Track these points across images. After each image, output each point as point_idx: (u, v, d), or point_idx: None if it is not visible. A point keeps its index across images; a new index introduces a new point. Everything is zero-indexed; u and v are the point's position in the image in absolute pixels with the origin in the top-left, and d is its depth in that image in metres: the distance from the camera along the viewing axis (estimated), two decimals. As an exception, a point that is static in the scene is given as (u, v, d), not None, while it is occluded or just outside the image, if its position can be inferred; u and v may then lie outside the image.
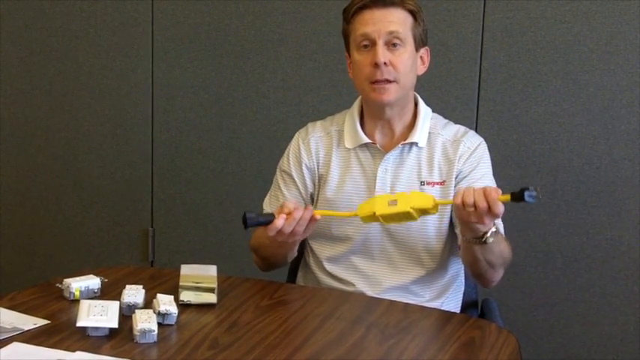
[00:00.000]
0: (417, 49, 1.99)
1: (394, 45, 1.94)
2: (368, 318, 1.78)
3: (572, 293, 2.78)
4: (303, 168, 2.10)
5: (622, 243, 2.71)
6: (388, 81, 1.95)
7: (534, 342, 2.81)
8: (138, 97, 3.22)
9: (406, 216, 1.80)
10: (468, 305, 2.15)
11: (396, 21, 1.95)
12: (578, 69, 2.68)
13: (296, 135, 2.15)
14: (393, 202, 1.80)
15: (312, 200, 2.11)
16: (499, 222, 1.98)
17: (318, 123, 2.15)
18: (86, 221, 3.37)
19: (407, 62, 1.96)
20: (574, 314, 2.78)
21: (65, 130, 3.33)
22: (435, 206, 1.80)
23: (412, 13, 1.97)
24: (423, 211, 1.79)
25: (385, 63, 1.93)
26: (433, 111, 2.09)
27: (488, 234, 1.80)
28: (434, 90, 2.78)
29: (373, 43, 1.95)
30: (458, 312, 2.07)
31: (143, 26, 3.17)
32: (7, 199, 3.46)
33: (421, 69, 2.04)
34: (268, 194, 2.16)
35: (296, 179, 2.10)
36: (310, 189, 2.10)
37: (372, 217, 1.82)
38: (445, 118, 2.11)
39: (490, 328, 1.77)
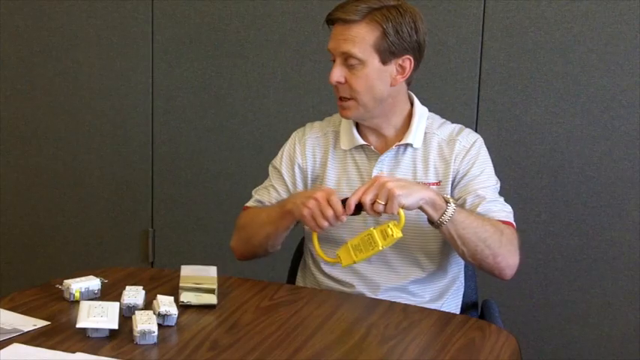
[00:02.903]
0: (386, 63, 1.93)
1: (351, 64, 1.92)
2: (368, 319, 1.78)
3: (572, 294, 2.78)
4: (295, 168, 2.10)
5: (622, 244, 2.71)
6: (346, 98, 1.96)
7: (534, 343, 2.81)
8: (138, 97, 3.22)
9: (369, 240, 1.84)
10: (468, 306, 2.15)
11: (352, 39, 1.90)
12: (579, 69, 2.68)
13: (293, 134, 2.15)
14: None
15: None
16: (498, 206, 1.96)
17: (316, 124, 2.15)
18: (86, 221, 3.37)
19: (363, 81, 1.93)
20: (574, 315, 2.78)
21: (65, 131, 3.33)
22: (395, 228, 1.82)
23: (380, 25, 1.90)
24: (385, 234, 1.82)
25: (340, 82, 1.94)
26: (433, 111, 2.09)
27: (439, 216, 1.83)
28: (434, 90, 2.78)
29: (334, 60, 1.96)
30: (458, 313, 2.07)
31: (143, 26, 3.17)
32: (7, 199, 3.46)
33: (398, 79, 1.96)
34: (262, 185, 2.17)
35: (285, 177, 2.10)
36: (300, 189, 2.10)
37: (348, 255, 1.88)
38: (445, 118, 2.10)
39: (490, 329, 1.77)
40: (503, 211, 1.97)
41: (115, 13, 3.19)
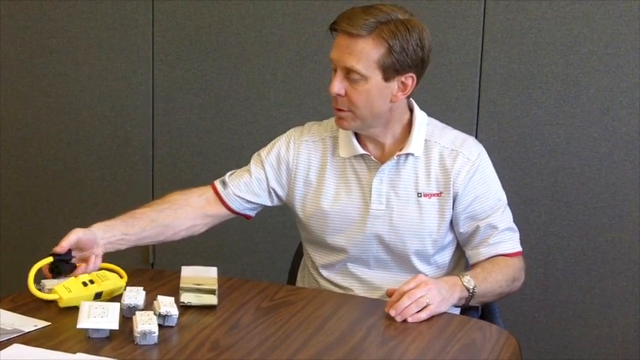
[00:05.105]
0: (389, 80, 1.89)
1: (353, 78, 1.88)
2: (368, 320, 1.78)
3: (573, 295, 2.78)
4: (282, 166, 2.07)
5: (622, 245, 2.71)
6: (343, 110, 1.93)
7: (535, 343, 2.81)
8: (138, 98, 3.22)
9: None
10: (468, 307, 2.15)
11: (357, 54, 1.85)
12: (579, 71, 2.68)
13: (290, 131, 2.11)
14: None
15: (278, 197, 2.09)
16: (508, 234, 2.02)
17: (315, 127, 2.10)
18: (86, 222, 3.34)
19: (363, 96, 1.89)
20: (574, 316, 2.78)
21: (66, 132, 3.33)
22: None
23: (386, 42, 1.85)
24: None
25: (340, 94, 1.90)
26: (434, 113, 2.07)
27: (464, 301, 1.91)
28: (434, 91, 2.78)
29: (336, 69, 1.92)
30: (458, 314, 2.07)
31: (143, 28, 3.17)
32: (7, 199, 3.46)
33: (399, 96, 1.92)
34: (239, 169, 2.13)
35: (267, 168, 2.07)
36: (282, 190, 2.08)
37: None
38: (445, 119, 2.09)
39: (491, 330, 1.77)
40: (513, 240, 2.04)
41: (116, 14, 3.19)
